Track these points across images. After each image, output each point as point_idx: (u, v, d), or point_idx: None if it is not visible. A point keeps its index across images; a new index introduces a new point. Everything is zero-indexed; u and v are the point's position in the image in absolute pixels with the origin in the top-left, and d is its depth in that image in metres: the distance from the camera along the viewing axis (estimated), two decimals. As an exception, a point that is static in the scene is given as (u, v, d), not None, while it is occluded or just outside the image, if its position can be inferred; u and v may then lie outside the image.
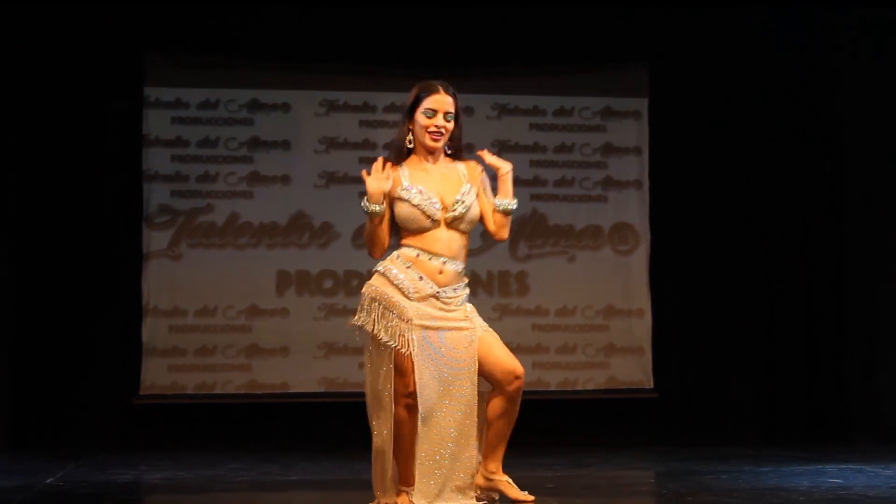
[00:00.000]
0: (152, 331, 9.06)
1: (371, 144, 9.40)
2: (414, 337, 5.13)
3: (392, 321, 5.17)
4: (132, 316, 9.04)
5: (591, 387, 9.46)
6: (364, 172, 5.22)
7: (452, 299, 5.23)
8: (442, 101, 5.29)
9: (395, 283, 5.21)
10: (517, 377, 5.23)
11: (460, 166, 5.38)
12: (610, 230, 9.58)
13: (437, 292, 5.20)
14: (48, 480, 6.49)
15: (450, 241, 5.25)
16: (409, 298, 5.19)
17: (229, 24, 9.17)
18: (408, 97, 5.35)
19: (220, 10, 9.06)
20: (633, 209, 9.61)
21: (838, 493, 5.70)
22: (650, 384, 9.50)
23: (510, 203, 5.39)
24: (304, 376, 9.18)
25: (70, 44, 8.97)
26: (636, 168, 9.62)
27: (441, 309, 5.20)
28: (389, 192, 5.25)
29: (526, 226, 9.48)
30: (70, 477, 6.69)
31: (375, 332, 5.16)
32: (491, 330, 5.31)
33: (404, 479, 5.23)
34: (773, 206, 9.61)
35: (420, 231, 5.23)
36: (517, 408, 5.29)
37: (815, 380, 9.45)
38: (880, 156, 9.17)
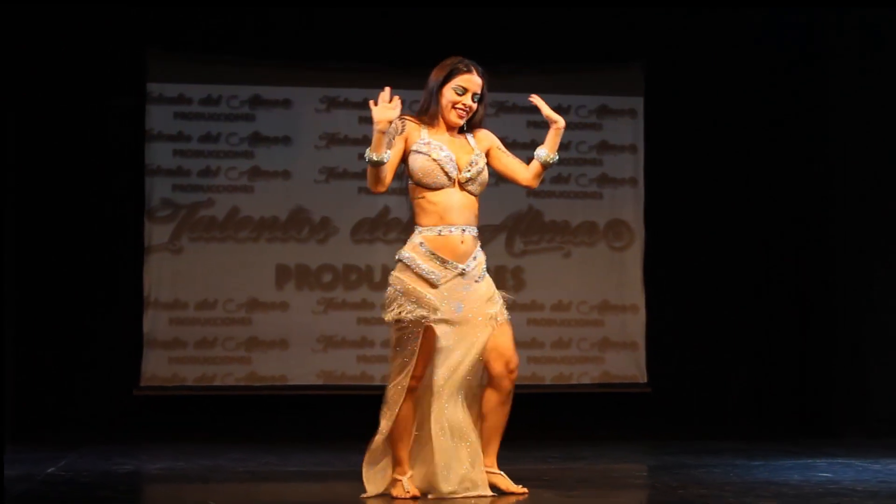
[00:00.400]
0: (153, 323, 9.13)
1: (370, 140, 9.44)
2: (436, 327, 5.24)
3: (415, 311, 5.26)
4: (133, 308, 9.11)
5: (585, 381, 9.52)
6: (371, 102, 5.29)
7: (475, 269, 5.35)
8: (473, 82, 5.41)
9: (421, 272, 5.30)
10: (511, 371, 5.33)
11: (468, 136, 5.50)
12: (605, 227, 9.66)
13: (463, 270, 5.31)
14: (49, 470, 6.49)
15: (463, 206, 5.34)
16: (435, 287, 5.29)
17: (231, 21, 9.22)
18: (440, 67, 5.43)
19: (222, 8, 9.08)
20: (629, 206, 9.68)
21: (828, 487, 5.71)
22: (644, 379, 9.57)
23: (552, 157, 5.56)
24: (302, 369, 9.24)
25: (73, 41, 9.02)
26: (631, 165, 9.69)
27: (464, 289, 5.30)
28: (406, 144, 5.37)
29: (522, 222, 9.54)
30: (71, 466, 6.69)
31: (400, 318, 5.28)
32: (506, 317, 5.41)
33: (397, 465, 5.34)
34: (766, 204, 9.68)
35: (435, 188, 5.32)
36: (510, 401, 5.38)
37: (805, 376, 9.52)
38: (873, 153, 9.12)
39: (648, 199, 9.70)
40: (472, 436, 5.29)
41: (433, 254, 5.31)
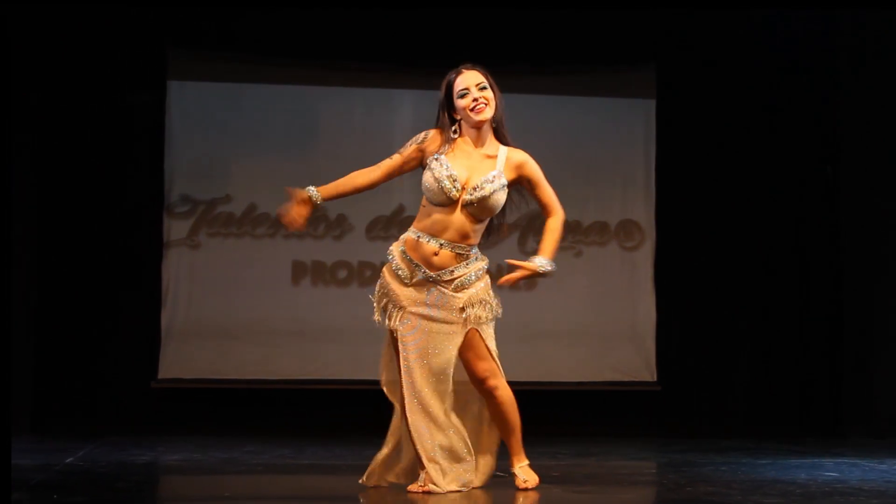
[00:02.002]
0: (171, 317, 9.16)
1: (386, 138, 9.49)
2: (406, 322, 5.31)
3: (389, 308, 5.36)
4: (152, 302, 9.15)
5: (595, 379, 9.56)
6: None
7: (451, 282, 5.32)
8: (468, 77, 5.39)
9: (394, 269, 5.38)
10: (482, 381, 5.38)
11: (503, 151, 5.44)
12: (616, 227, 9.68)
13: (430, 277, 5.31)
14: (68, 460, 6.52)
15: (456, 225, 5.32)
16: (405, 285, 5.35)
17: (251, 18, 9.21)
18: (440, 90, 5.46)
19: (242, 6, 9.05)
20: (640, 207, 9.70)
21: (835, 486, 5.72)
22: (653, 377, 9.59)
23: (541, 266, 5.44)
24: (317, 364, 9.27)
25: (94, 37, 9.05)
26: (643, 167, 9.69)
27: (438, 295, 5.32)
28: (424, 154, 5.42)
29: (535, 221, 9.56)
30: (89, 457, 6.73)
31: (379, 319, 5.38)
32: (484, 325, 5.37)
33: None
34: (775, 206, 9.69)
35: (436, 204, 5.33)
36: (506, 407, 5.42)
37: (812, 375, 9.55)
38: (879, 156, 9.17)
39: (660, 200, 9.72)
40: (452, 435, 5.34)
41: (406, 255, 5.37)
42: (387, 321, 5.38)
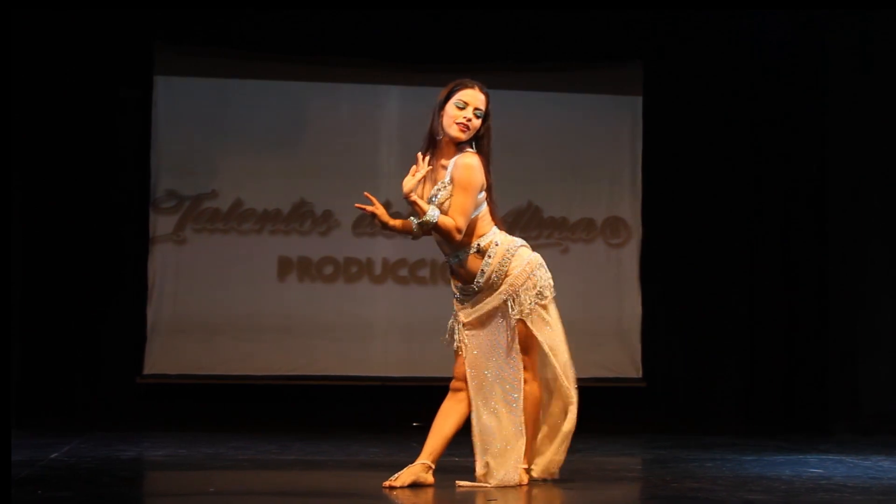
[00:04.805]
0: (157, 312, 9.18)
1: (372, 134, 9.51)
2: (461, 332, 5.48)
3: (452, 321, 5.55)
4: (138, 298, 9.16)
5: (581, 375, 9.55)
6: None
7: (487, 282, 5.42)
8: (474, 97, 5.40)
9: (453, 291, 5.57)
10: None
11: (454, 159, 5.42)
12: (602, 223, 9.70)
13: (472, 289, 5.44)
14: (53, 455, 6.51)
15: (442, 240, 5.47)
16: (462, 304, 5.52)
17: (238, 14, 9.21)
18: (445, 88, 5.45)
19: (230, 2, 9.11)
20: (626, 203, 9.73)
21: (819, 483, 5.75)
22: (639, 374, 9.63)
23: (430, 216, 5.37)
24: (303, 360, 9.29)
25: (81, 32, 9.04)
26: (629, 163, 9.72)
27: (475, 298, 5.47)
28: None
29: (521, 217, 9.59)
30: (74, 453, 6.71)
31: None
32: (528, 312, 5.47)
33: (427, 452, 5.46)
34: (760, 202, 9.73)
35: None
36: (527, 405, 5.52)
37: (797, 372, 9.56)
38: (865, 152, 9.17)
39: (646, 197, 9.75)
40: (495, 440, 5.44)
41: (451, 277, 5.57)
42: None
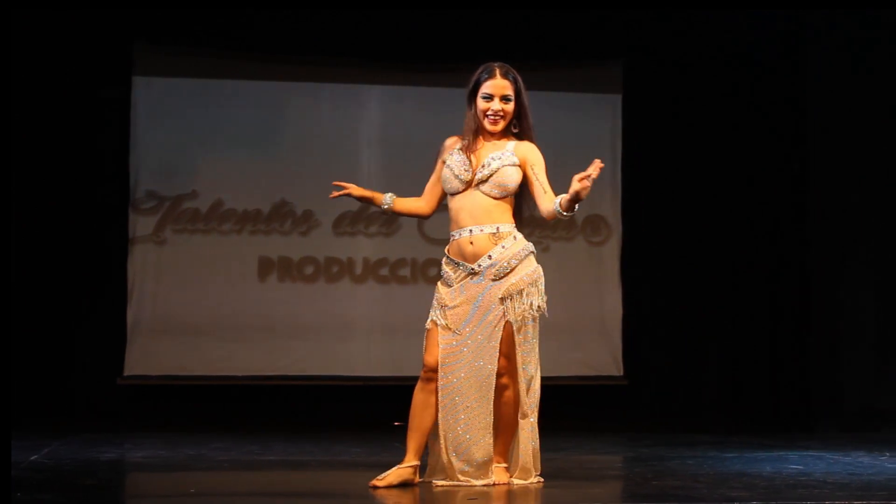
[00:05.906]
0: (137, 313, 9.16)
1: (353, 134, 9.50)
2: (444, 317, 5.39)
3: (436, 308, 5.44)
4: (118, 299, 9.15)
5: (562, 374, 9.59)
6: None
7: (490, 267, 5.36)
8: (498, 85, 5.43)
9: (443, 276, 5.48)
10: (499, 373, 5.40)
11: (511, 143, 5.49)
12: (583, 222, 9.71)
13: (472, 269, 5.37)
14: (33, 457, 6.47)
15: (475, 206, 5.37)
16: (450, 286, 5.42)
17: (217, 15, 9.19)
18: (470, 79, 5.48)
19: (209, 1, 9.12)
20: (606, 202, 9.75)
21: (799, 479, 5.75)
22: (620, 372, 9.66)
23: (564, 215, 5.39)
24: (284, 360, 9.29)
25: (60, 34, 9.02)
26: (609, 162, 9.68)
27: (478, 284, 5.37)
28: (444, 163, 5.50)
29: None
30: (54, 454, 6.68)
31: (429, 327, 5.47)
32: (520, 319, 5.38)
33: (413, 452, 5.42)
34: (741, 200, 9.75)
35: (454, 193, 5.42)
36: (509, 402, 5.42)
37: (779, 369, 9.60)
38: (846, 151, 9.21)
39: (626, 196, 9.78)
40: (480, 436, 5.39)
41: (449, 258, 5.46)
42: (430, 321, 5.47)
